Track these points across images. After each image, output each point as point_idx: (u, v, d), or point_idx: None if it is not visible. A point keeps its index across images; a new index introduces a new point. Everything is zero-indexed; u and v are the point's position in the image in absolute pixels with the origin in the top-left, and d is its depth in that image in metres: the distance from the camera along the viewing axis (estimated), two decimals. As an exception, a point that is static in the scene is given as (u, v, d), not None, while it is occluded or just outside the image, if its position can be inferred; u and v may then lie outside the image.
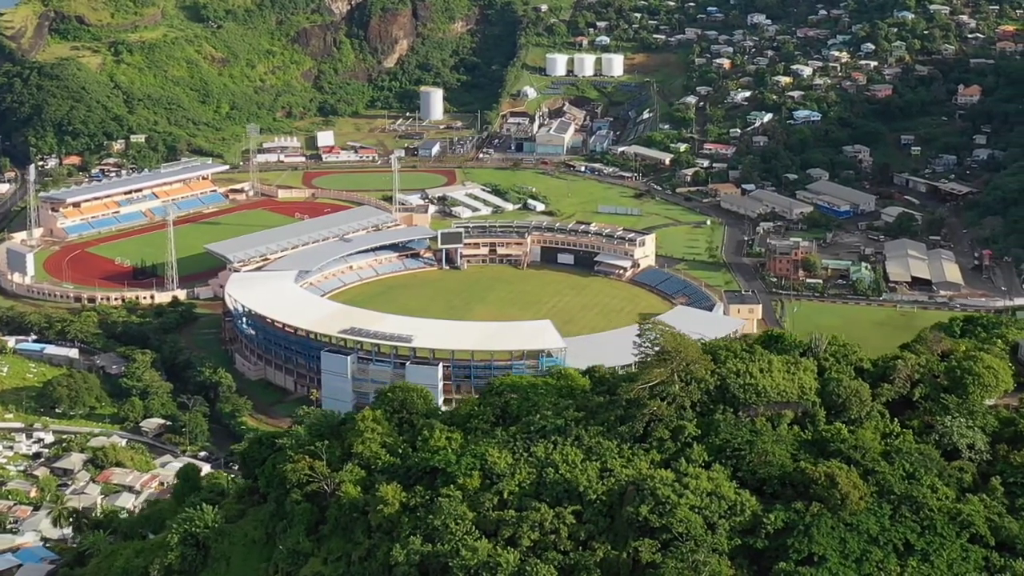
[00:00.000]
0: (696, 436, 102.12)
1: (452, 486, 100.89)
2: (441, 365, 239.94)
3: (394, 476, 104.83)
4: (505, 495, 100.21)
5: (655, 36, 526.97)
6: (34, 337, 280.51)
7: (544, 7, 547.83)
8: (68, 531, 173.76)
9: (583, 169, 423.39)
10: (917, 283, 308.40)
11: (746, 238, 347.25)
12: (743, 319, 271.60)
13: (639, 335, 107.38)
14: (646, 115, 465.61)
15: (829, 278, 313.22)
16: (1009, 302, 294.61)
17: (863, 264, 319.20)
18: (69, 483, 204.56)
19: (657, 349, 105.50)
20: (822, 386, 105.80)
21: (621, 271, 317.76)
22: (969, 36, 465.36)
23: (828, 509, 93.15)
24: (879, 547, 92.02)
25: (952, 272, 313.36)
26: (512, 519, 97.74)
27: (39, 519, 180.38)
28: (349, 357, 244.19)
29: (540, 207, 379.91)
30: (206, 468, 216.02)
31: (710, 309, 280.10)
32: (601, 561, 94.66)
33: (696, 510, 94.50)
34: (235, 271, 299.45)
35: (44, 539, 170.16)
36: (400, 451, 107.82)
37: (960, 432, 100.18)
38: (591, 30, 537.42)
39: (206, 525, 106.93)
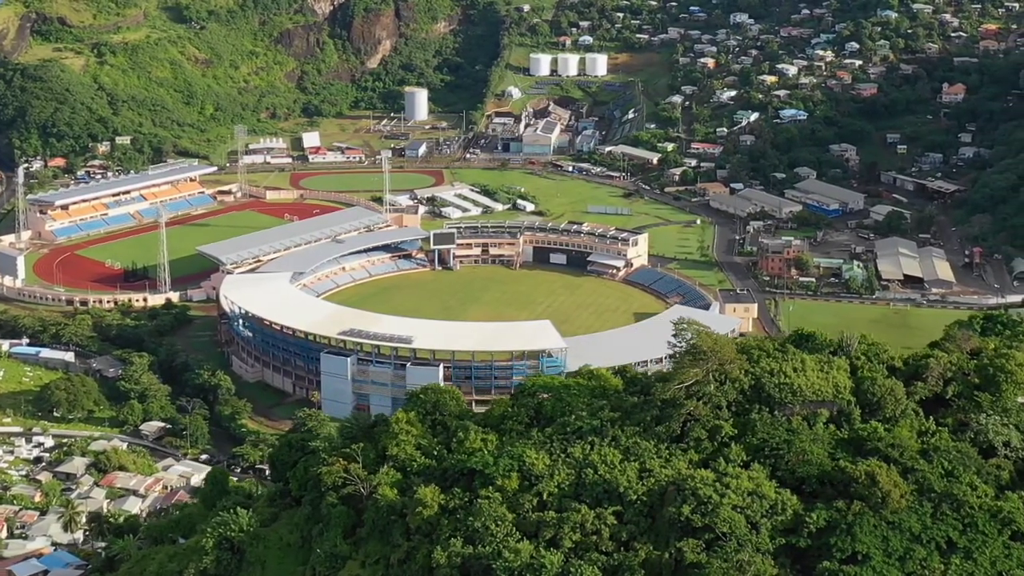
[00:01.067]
0: (733, 436, 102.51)
1: (491, 487, 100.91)
2: (442, 366, 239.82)
3: (430, 478, 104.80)
4: (544, 496, 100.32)
5: (638, 36, 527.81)
6: (26, 340, 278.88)
7: (526, 7, 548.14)
8: (79, 535, 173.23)
9: (571, 169, 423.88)
10: (909, 281, 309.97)
11: (737, 237, 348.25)
12: (739, 318, 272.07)
13: (674, 335, 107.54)
14: (631, 115, 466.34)
15: (821, 277, 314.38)
16: (1002, 299, 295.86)
17: (855, 262, 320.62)
18: (73, 487, 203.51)
19: (692, 349, 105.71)
20: (856, 385, 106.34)
21: (614, 271, 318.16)
22: (952, 35, 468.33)
23: (870, 508, 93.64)
24: (922, 545, 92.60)
25: (943, 270, 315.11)
26: (553, 520, 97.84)
27: (48, 524, 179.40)
28: (349, 359, 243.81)
29: (530, 207, 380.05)
30: (208, 471, 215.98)
31: (706, 308, 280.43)
32: (644, 562, 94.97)
33: (738, 510, 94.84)
34: (228, 273, 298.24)
35: (55, 544, 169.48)
36: (435, 453, 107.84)
37: (995, 430, 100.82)
38: (574, 30, 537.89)
39: (241, 529, 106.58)
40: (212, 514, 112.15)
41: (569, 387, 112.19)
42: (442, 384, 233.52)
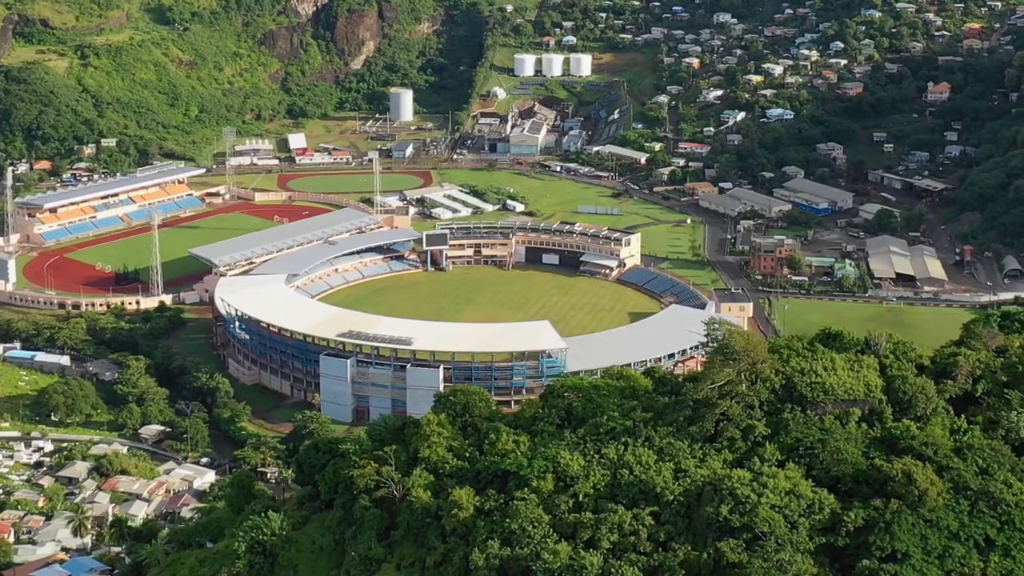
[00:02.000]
0: (766, 435, 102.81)
1: (526, 489, 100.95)
2: (442, 367, 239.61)
3: (463, 480, 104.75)
4: (580, 497, 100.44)
5: (622, 36, 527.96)
6: (17, 344, 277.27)
7: (509, 7, 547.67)
8: (87, 540, 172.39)
9: (559, 169, 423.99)
10: (901, 279, 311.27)
11: (729, 236, 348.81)
12: (737, 317, 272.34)
13: (706, 334, 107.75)
14: (617, 115, 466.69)
15: (814, 275, 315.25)
16: (994, 297, 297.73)
17: (847, 261, 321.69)
18: (76, 492, 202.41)
19: (724, 348, 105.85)
20: (887, 383, 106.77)
21: (607, 271, 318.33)
22: (936, 34, 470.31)
23: (907, 506, 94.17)
24: (960, 543, 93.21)
25: (935, 268, 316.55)
26: (590, 521, 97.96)
27: (55, 529, 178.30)
28: (349, 361, 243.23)
29: (520, 208, 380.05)
30: (210, 475, 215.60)
31: (701, 308, 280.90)
32: (682, 562, 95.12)
33: (777, 509, 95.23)
34: (222, 275, 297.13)
35: (65, 549, 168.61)
36: (467, 455, 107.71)
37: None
38: (557, 30, 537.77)
39: (273, 532, 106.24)
40: (242, 518, 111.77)
41: (598, 388, 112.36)
42: (441, 386, 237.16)
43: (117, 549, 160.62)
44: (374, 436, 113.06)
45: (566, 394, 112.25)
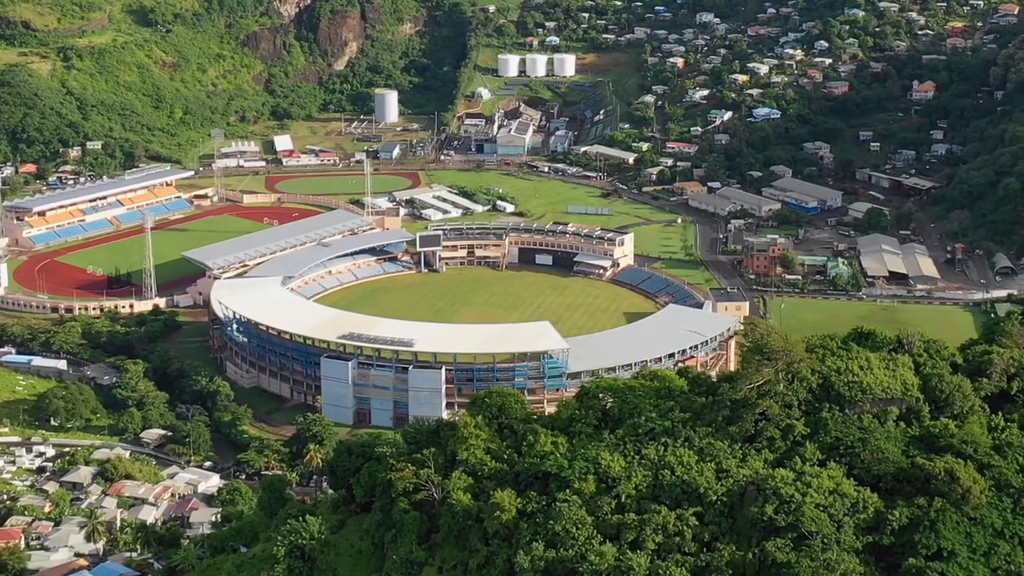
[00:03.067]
0: (806, 435, 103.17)
1: (568, 491, 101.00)
2: (443, 369, 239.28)
3: (503, 482, 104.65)
4: (623, 499, 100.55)
5: (604, 36, 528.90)
6: (7, 348, 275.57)
7: (492, 8, 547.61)
8: (100, 545, 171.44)
9: (546, 169, 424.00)
10: (894, 277, 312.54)
11: (720, 236, 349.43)
12: (734, 316, 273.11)
13: (745, 335, 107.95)
14: (602, 115, 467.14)
15: (807, 274, 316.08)
16: (987, 294, 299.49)
17: (839, 260, 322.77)
18: (82, 497, 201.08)
19: (762, 348, 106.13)
20: (923, 382, 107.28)
21: (601, 271, 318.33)
22: (919, 33, 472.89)
23: (951, 504, 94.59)
24: (1005, 540, 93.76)
25: (927, 266, 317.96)
26: (634, 522, 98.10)
27: (66, 534, 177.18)
28: (350, 363, 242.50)
29: (510, 208, 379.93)
30: (215, 478, 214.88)
31: (698, 307, 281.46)
32: (728, 562, 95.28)
33: (821, 508, 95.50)
34: (215, 278, 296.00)
35: (78, 554, 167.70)
36: (505, 457, 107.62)
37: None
38: (540, 30, 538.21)
39: (312, 536, 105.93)
40: (278, 522, 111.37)
41: (634, 388, 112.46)
42: (443, 387, 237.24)
43: (130, 554, 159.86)
44: (409, 439, 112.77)
45: (601, 395, 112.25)
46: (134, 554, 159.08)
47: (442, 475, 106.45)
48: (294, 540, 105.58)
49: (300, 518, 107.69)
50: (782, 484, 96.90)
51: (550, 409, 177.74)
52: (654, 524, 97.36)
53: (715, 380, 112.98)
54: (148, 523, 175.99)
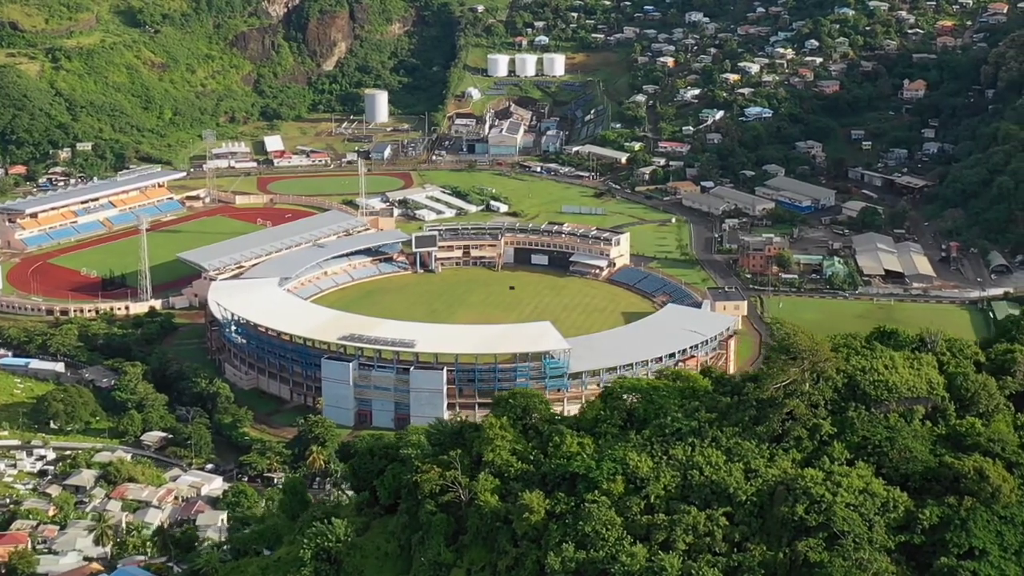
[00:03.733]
0: (832, 434, 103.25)
1: (596, 491, 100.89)
2: (445, 369, 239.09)
3: (530, 483, 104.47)
4: (652, 499, 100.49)
5: (594, 35, 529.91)
6: (4, 351, 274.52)
7: (481, 7, 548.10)
8: (108, 549, 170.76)
9: (539, 169, 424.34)
10: (890, 276, 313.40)
11: (715, 235, 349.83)
12: (733, 316, 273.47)
13: (771, 335, 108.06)
14: (593, 114, 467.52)
15: (803, 273, 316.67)
16: (983, 292, 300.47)
17: (835, 259, 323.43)
18: (85, 500, 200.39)
19: (788, 347, 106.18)
20: (948, 380, 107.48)
21: (597, 271, 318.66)
22: (909, 31, 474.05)
23: (981, 503, 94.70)
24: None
25: (923, 264, 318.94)
26: (664, 523, 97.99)
27: (73, 538, 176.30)
28: (351, 364, 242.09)
29: (503, 208, 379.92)
30: (218, 481, 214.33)
31: (697, 307, 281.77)
32: (760, 562, 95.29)
33: (852, 508, 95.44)
34: (212, 279, 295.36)
35: (87, 558, 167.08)
36: (532, 458, 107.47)
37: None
38: (529, 30, 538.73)
39: (338, 539, 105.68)
40: (303, 524, 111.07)
41: (658, 388, 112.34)
42: (444, 388, 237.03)
43: (142, 557, 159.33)
44: (434, 440, 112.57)
45: (625, 396, 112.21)
46: (145, 557, 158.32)
47: (468, 477, 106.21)
48: (320, 543, 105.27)
49: (325, 520, 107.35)
50: (812, 484, 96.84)
51: (555, 408, 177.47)
52: (684, 524, 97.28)
53: (739, 380, 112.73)
54: (163, 526, 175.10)
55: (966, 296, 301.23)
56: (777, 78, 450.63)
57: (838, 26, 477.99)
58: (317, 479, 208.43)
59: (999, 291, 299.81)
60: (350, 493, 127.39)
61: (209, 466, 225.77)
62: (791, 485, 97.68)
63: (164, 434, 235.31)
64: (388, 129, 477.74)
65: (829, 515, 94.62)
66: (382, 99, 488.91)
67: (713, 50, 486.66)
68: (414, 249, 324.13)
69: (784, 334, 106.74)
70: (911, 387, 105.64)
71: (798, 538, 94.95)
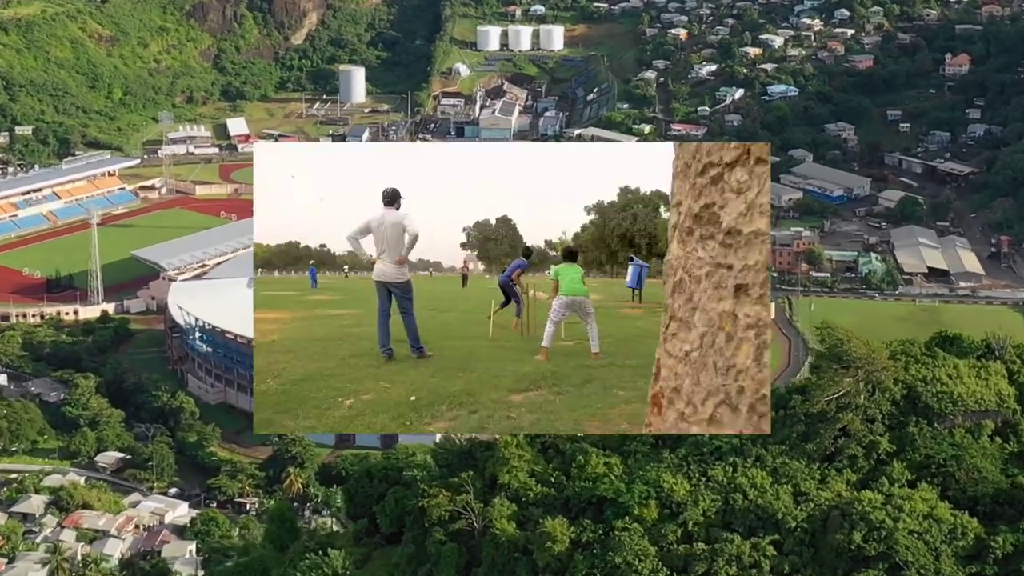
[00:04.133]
0: (891, 452, 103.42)
1: (627, 518, 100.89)
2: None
3: (551, 509, 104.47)
4: (690, 526, 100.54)
5: (596, 4, 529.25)
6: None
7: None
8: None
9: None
10: (933, 274, 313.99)
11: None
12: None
13: (820, 341, 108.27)
14: (596, 93, 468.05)
15: (836, 271, 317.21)
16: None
17: (872, 255, 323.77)
18: (35, 530, 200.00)
19: (840, 356, 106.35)
20: (1020, 392, 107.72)
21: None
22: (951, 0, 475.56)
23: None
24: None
25: (970, 261, 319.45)
26: (704, 553, 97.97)
27: (23, 571, 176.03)
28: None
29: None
30: (183, 507, 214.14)
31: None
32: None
33: (916, 535, 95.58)
34: (171, 280, 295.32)
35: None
36: (553, 480, 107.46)
37: None
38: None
39: (335, 572, 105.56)
40: (294, 556, 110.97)
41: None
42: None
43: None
44: (441, 461, 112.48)
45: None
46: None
47: (482, 502, 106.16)
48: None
49: (320, 552, 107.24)
50: (870, 508, 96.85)
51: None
52: (727, 555, 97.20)
53: (784, 391, 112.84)
54: (124, 559, 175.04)
55: (1019, 296, 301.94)
56: (804, 52, 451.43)
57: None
58: (295, 504, 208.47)
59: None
60: (336, 520, 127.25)
61: (173, 490, 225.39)
62: (846, 510, 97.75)
63: (121, 455, 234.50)
64: (366, 110, 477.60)
65: (890, 543, 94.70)
66: (359, 76, 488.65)
67: (731, 21, 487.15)
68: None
69: (836, 340, 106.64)
70: (978, 399, 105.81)
71: (855, 569, 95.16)
